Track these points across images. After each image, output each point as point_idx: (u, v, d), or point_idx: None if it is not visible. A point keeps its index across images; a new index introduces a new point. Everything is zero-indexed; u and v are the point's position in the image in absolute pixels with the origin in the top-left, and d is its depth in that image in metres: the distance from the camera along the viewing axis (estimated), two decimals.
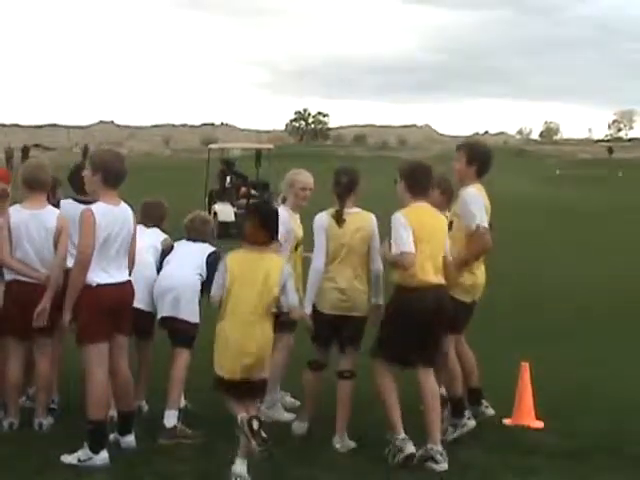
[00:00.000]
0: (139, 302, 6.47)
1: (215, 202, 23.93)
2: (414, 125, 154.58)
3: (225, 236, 18.91)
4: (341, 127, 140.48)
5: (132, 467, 5.91)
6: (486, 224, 6.68)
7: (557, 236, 23.79)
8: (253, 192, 24.08)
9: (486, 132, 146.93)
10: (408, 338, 6.22)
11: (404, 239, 6.18)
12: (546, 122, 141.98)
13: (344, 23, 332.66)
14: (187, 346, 6.71)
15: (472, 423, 6.70)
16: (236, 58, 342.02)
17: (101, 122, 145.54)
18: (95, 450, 5.93)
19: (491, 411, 6.98)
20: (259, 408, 6.11)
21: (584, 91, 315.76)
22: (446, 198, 7.04)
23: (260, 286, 5.76)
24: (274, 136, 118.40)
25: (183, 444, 6.39)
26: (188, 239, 7.01)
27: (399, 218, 6.26)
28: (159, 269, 6.87)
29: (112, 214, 6.03)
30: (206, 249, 6.88)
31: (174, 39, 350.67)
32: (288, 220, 6.97)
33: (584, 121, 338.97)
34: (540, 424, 7.22)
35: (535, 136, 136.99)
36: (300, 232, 7.24)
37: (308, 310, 6.50)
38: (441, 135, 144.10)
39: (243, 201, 23.02)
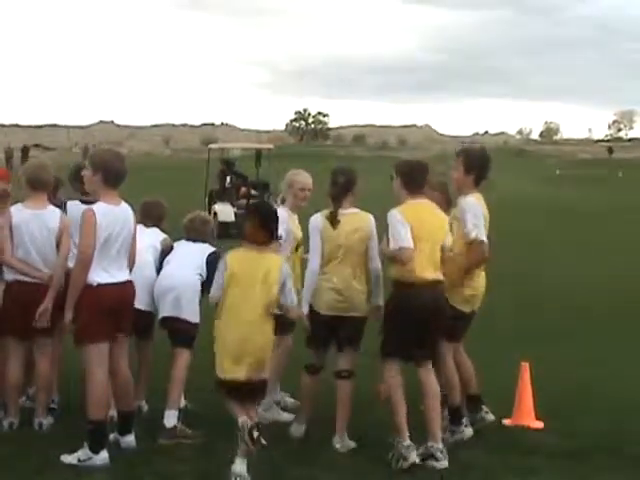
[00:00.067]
0: (139, 302, 6.46)
1: (215, 202, 23.93)
2: (414, 125, 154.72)
3: (225, 236, 18.88)
4: (341, 127, 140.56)
5: (132, 467, 5.91)
6: (483, 237, 6.69)
7: (557, 236, 23.77)
8: (253, 192, 24.07)
9: (486, 132, 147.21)
10: (407, 334, 6.23)
11: (402, 235, 6.19)
12: (546, 122, 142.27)
13: (344, 23, 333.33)
14: (187, 346, 6.71)
15: (469, 431, 6.71)
16: (236, 58, 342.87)
17: (101, 122, 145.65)
18: (95, 450, 5.93)
19: (491, 417, 6.97)
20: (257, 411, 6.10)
21: (584, 91, 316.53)
22: (446, 198, 7.04)
23: (260, 285, 5.77)
24: (274, 136, 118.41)
25: (183, 444, 6.39)
26: (188, 239, 7.00)
27: (395, 215, 6.28)
28: (159, 269, 6.87)
29: (113, 214, 6.03)
30: (206, 249, 6.88)
31: (174, 39, 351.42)
32: (287, 221, 6.97)
33: (584, 121, 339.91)
34: (540, 424, 7.22)
35: (535, 136, 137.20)
36: (299, 233, 7.24)
37: (305, 310, 6.50)
38: (441, 135, 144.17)
39: (243, 201, 23.00)
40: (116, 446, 6.18)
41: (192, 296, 6.69)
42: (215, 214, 22.43)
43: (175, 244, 7.02)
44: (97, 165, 6.14)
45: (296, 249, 7.21)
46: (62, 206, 6.86)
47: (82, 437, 5.98)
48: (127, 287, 6.18)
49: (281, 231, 6.45)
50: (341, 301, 6.49)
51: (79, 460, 5.92)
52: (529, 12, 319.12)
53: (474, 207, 6.73)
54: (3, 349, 6.68)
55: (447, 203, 6.99)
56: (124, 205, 6.17)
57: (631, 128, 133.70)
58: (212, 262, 6.56)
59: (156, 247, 6.98)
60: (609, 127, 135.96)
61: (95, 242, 5.93)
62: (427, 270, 6.27)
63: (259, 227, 5.89)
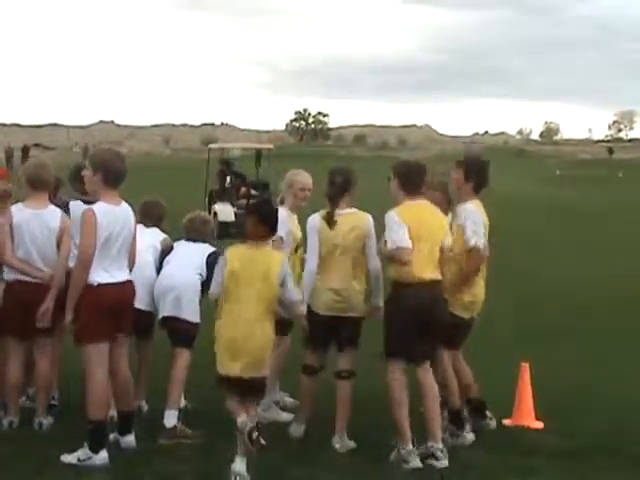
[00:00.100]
0: (139, 302, 6.46)
1: (215, 202, 23.91)
2: (414, 125, 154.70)
3: (225, 236, 18.88)
4: (341, 127, 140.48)
5: (132, 467, 5.91)
6: (481, 244, 6.69)
7: (557, 236, 23.76)
8: (253, 192, 24.04)
9: (486, 132, 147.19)
10: (407, 334, 6.22)
11: (400, 235, 6.20)
12: (546, 122, 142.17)
13: (344, 23, 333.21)
14: (187, 346, 6.71)
15: (471, 436, 6.70)
16: (236, 58, 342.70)
17: (101, 122, 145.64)
18: (95, 450, 5.93)
19: (494, 423, 7.00)
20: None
21: (584, 91, 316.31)
22: (447, 198, 7.04)
23: (261, 281, 5.78)
24: (274, 136, 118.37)
25: (183, 444, 6.39)
26: (188, 239, 7.00)
27: (392, 216, 6.29)
28: (158, 269, 6.87)
29: (113, 214, 6.03)
30: (206, 249, 6.88)
31: (174, 39, 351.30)
32: (287, 221, 6.97)
33: (584, 121, 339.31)
34: (540, 424, 7.22)
35: (535, 136, 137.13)
36: (298, 233, 7.23)
37: (303, 311, 6.49)
38: (441, 135, 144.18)
39: (243, 201, 22.99)
40: (116, 446, 6.18)
41: (192, 296, 6.69)
42: (215, 214, 22.43)
43: (175, 244, 7.02)
44: (97, 165, 6.14)
45: (296, 250, 7.20)
46: (64, 206, 6.85)
47: (82, 437, 5.98)
48: (127, 287, 6.18)
49: (281, 233, 6.45)
50: (339, 301, 6.49)
51: (79, 460, 5.92)
52: (529, 12, 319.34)
53: (473, 214, 6.74)
54: (3, 349, 6.68)
55: (448, 203, 7.00)
56: (124, 205, 6.16)
57: (631, 128, 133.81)
58: (212, 262, 6.55)
59: (156, 247, 6.98)
60: (609, 127, 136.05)
61: (95, 242, 5.93)
62: (426, 270, 6.27)
63: (259, 223, 5.90)
